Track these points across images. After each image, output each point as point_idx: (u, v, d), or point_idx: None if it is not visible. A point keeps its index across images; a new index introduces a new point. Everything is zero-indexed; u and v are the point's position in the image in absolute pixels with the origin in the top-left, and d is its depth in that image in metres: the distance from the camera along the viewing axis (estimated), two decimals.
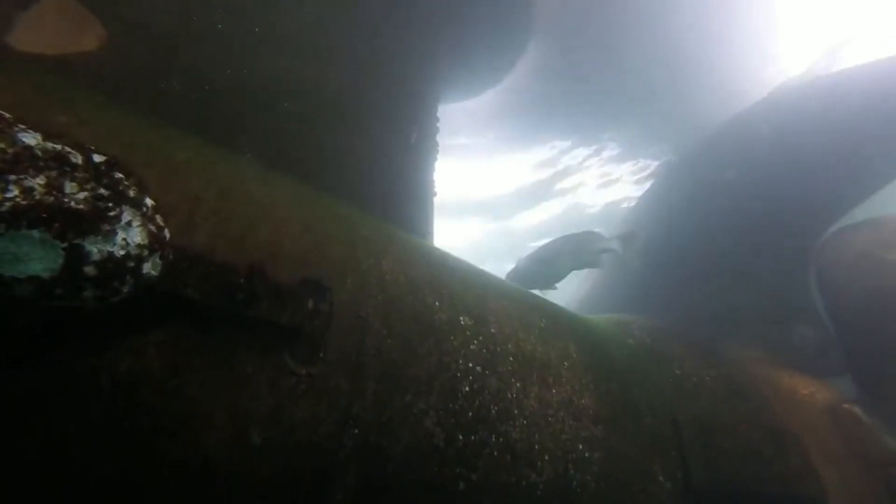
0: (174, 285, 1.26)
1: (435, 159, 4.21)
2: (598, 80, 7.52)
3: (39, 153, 1.08)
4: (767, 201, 5.54)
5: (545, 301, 2.75)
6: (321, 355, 1.50)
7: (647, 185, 8.27)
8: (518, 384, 1.94)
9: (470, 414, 1.74)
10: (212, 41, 2.62)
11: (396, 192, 3.36)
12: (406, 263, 2.01)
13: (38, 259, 1.02)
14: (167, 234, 1.26)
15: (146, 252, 1.17)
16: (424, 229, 3.51)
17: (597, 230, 4.82)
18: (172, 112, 2.33)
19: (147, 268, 1.18)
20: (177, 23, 2.54)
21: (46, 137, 1.12)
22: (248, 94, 2.72)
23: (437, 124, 4.41)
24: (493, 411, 1.80)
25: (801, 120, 4.65)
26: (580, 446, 1.99)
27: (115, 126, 1.59)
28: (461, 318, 1.96)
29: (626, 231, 4.96)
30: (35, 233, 1.01)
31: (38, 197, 1.02)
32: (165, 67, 2.43)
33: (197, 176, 1.61)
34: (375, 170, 3.25)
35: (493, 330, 2.04)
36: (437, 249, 2.51)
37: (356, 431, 1.49)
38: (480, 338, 1.96)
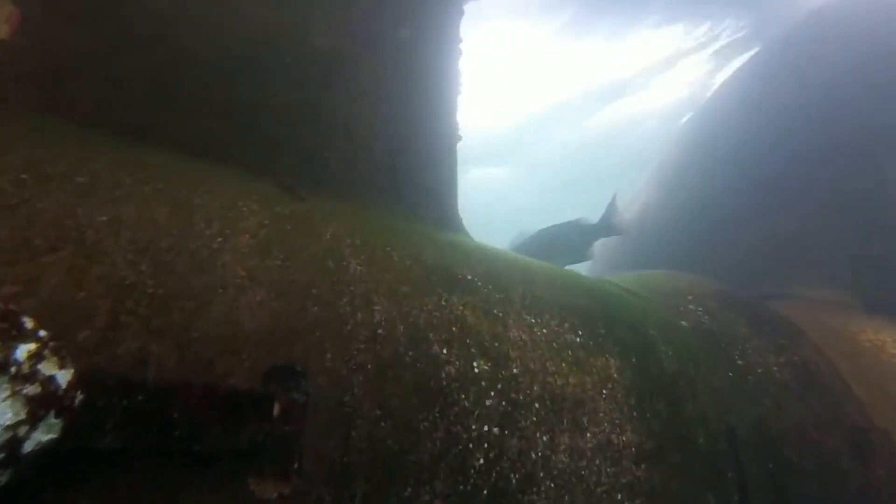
0: (87, 438, 1.00)
1: (458, 93, 3.60)
2: None
3: None
4: (867, 107, 4.61)
5: (583, 291, 2.36)
6: (296, 466, 1.25)
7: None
8: (545, 438, 1.65)
9: (485, 492, 1.49)
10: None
11: (410, 153, 2.89)
12: (406, 299, 1.66)
13: None
14: (64, 379, 0.97)
15: (26, 428, 0.89)
16: (446, 195, 3.07)
17: (582, 217, 4.42)
18: (121, 105, 1.94)
19: (35, 439, 0.91)
20: None
21: None
22: (217, 61, 2.25)
23: (460, 45, 3.72)
24: (514, 481, 1.55)
25: None
26: (619, 496, 1.73)
27: (12, 184, 1.24)
28: (475, 365, 1.64)
29: (608, 207, 4.48)
30: None
31: None
32: (107, 46, 1.99)
33: (126, 245, 1.27)
34: (382, 128, 2.77)
35: (514, 371, 1.71)
36: (449, 250, 2.12)
37: None
38: (499, 386, 1.65)
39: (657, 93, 13.97)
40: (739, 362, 2.44)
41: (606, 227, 4.42)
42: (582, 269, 5.88)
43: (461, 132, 3.54)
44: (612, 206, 4.47)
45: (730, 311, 2.75)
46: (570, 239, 4.39)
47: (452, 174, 3.30)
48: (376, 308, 1.57)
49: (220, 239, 1.44)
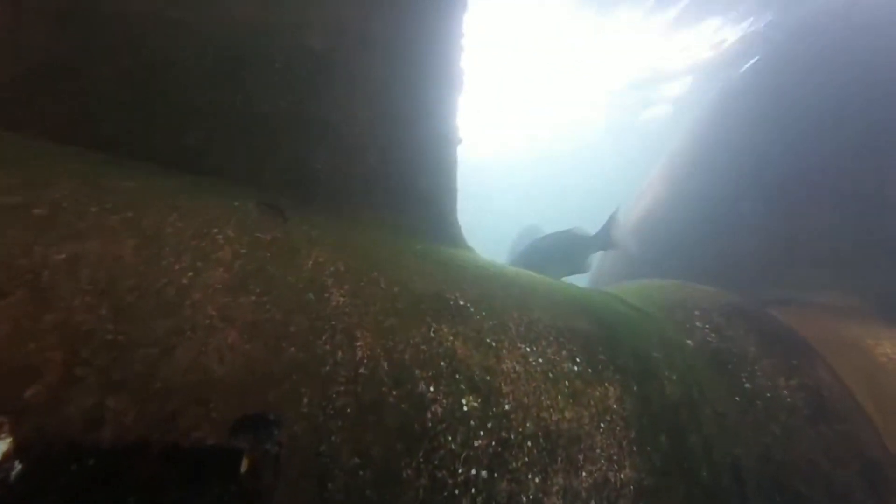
0: None
1: (460, 92, 3.46)
2: None
3: None
4: (884, 104, 4.43)
5: (583, 311, 2.25)
6: None
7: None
8: (537, 479, 1.56)
9: None
10: None
11: (407, 160, 2.78)
12: (392, 332, 1.57)
13: None
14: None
15: None
16: (444, 203, 2.96)
17: (579, 227, 4.29)
18: (94, 117, 1.85)
19: None
20: None
21: None
22: (200, 67, 2.15)
23: (462, 41, 3.57)
24: None
25: None
26: None
27: None
28: (463, 403, 1.55)
29: (608, 220, 4.35)
30: None
31: None
32: (79, 53, 1.89)
33: (85, 287, 1.19)
34: (377, 134, 2.66)
35: (506, 407, 1.62)
36: (441, 272, 2.02)
37: None
38: (489, 425, 1.56)
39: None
40: (747, 385, 2.33)
41: (604, 239, 4.30)
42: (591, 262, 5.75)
43: (461, 135, 3.42)
44: (612, 220, 4.34)
45: (738, 328, 2.63)
46: (567, 249, 4.27)
47: (451, 180, 3.18)
48: (359, 344, 1.48)
49: (190, 274, 1.35)
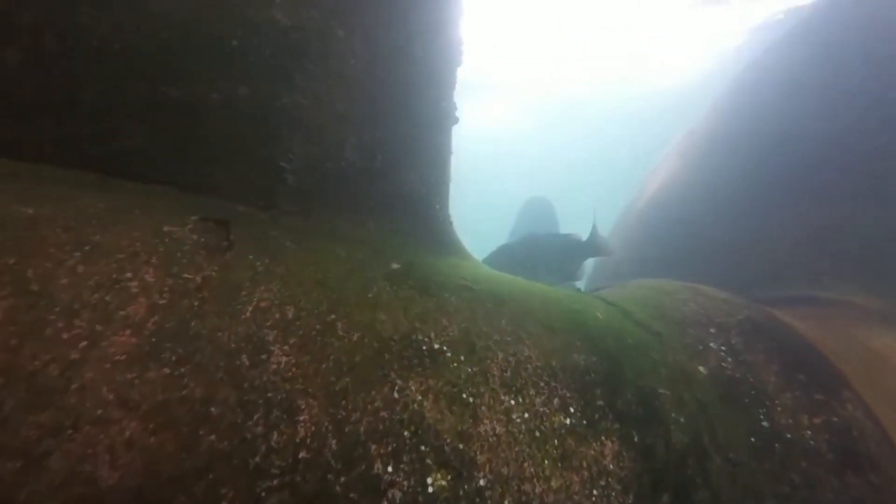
0: None
1: (458, 64, 3.06)
2: None
3: None
4: None
5: (584, 337, 1.97)
6: None
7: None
8: None
9: None
10: None
11: (392, 150, 2.44)
12: (345, 397, 1.31)
13: None
14: None
15: None
16: (435, 197, 2.64)
17: (575, 233, 4.08)
18: (5, 113, 1.55)
19: None
20: None
21: None
22: (130, 51, 1.82)
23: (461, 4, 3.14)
24: None
25: None
26: None
27: None
28: (429, 482, 1.30)
29: (594, 226, 4.15)
30: None
31: None
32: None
33: None
34: (357, 122, 2.32)
35: (481, 482, 1.37)
36: (417, 301, 1.73)
37: None
38: None
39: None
40: (765, 424, 2.07)
41: (593, 246, 4.13)
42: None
43: (458, 114, 3.05)
44: (594, 228, 4.17)
45: (758, 352, 2.35)
46: (560, 254, 4.09)
47: (444, 173, 2.85)
48: (302, 419, 1.22)
49: (83, 344, 1.08)
